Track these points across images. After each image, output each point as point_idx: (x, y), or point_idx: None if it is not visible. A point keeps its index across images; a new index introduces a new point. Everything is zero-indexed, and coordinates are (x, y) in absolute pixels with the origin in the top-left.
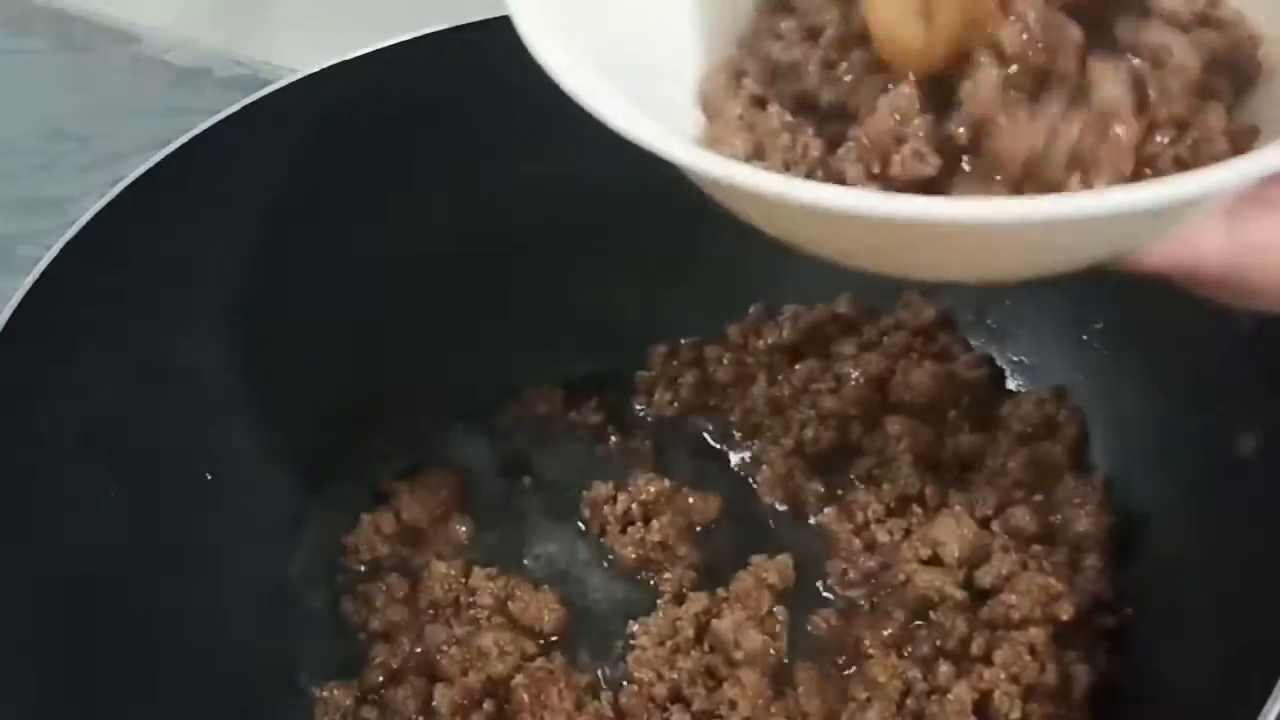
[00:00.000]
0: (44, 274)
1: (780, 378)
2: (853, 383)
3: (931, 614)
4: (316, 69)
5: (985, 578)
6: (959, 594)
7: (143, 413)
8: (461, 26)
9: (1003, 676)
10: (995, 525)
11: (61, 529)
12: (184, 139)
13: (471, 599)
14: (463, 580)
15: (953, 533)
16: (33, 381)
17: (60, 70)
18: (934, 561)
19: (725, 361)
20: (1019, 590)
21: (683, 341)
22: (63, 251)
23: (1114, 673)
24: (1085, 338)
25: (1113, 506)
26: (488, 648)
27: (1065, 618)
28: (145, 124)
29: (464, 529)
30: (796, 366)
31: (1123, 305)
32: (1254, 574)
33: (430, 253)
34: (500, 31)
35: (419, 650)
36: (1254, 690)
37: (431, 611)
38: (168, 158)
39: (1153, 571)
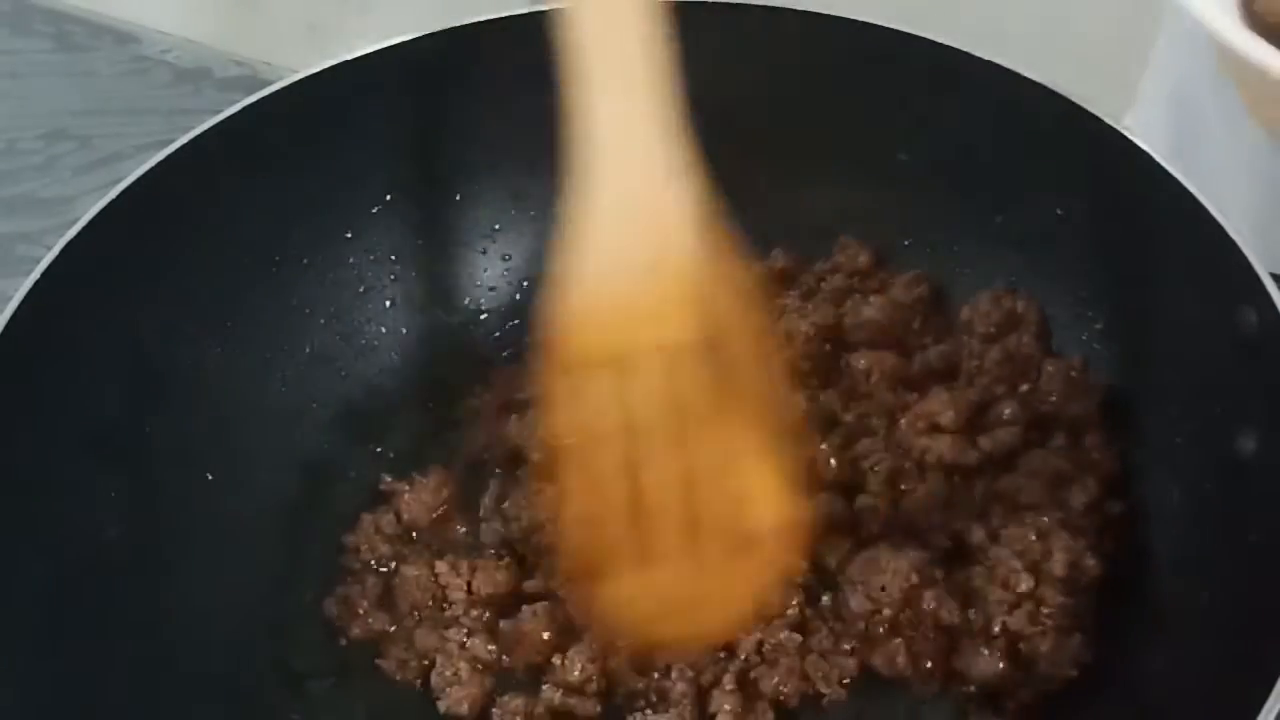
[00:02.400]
0: (44, 274)
1: None
2: (803, 336)
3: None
4: (316, 69)
5: (988, 444)
6: (962, 454)
7: (143, 413)
8: (461, 27)
9: (1018, 551)
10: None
11: (61, 529)
12: (184, 139)
13: (472, 598)
14: (463, 580)
15: (946, 402)
16: (33, 381)
17: (60, 70)
18: (935, 429)
19: None
20: (1028, 472)
21: None
22: (63, 251)
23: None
24: (1085, 338)
25: (1099, 387)
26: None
27: (1077, 504)
28: (145, 124)
29: (464, 529)
30: None
31: (1123, 305)
32: (1254, 574)
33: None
34: (501, 31)
35: (419, 649)
36: (1253, 691)
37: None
38: (168, 158)
39: (1149, 572)
